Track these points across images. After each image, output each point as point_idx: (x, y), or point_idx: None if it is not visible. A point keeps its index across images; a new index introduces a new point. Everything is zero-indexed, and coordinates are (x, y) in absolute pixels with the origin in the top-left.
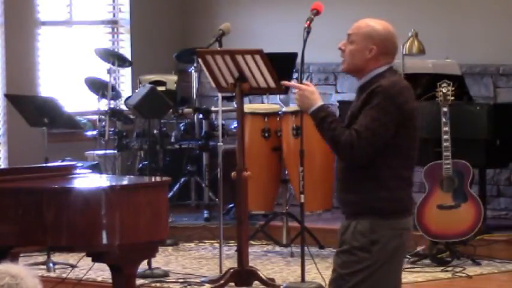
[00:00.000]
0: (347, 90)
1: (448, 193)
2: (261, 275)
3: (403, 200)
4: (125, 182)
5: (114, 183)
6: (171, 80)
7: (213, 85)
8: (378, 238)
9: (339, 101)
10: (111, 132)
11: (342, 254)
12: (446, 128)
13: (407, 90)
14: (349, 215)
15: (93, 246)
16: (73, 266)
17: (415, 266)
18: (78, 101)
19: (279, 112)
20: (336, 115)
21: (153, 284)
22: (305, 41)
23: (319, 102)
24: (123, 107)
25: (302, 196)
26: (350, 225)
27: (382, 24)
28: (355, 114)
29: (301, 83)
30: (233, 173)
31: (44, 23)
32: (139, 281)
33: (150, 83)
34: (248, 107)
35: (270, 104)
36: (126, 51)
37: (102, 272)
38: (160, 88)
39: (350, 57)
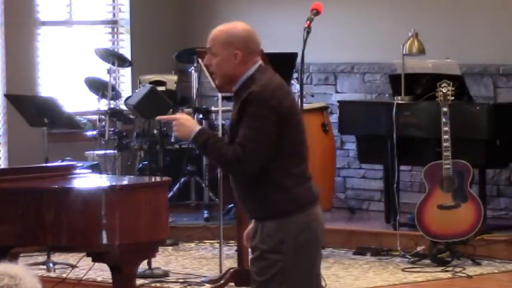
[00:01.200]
0: (347, 90)
1: (448, 193)
2: None
3: (302, 196)
4: (125, 182)
5: (114, 183)
6: (171, 80)
7: (213, 85)
8: (286, 236)
9: (339, 101)
10: (111, 132)
11: (255, 261)
12: (446, 128)
13: (279, 89)
14: (255, 219)
15: (93, 246)
16: (73, 266)
17: (415, 266)
18: (78, 101)
19: None
20: (217, 135)
21: (153, 284)
22: (305, 41)
23: (197, 127)
24: (123, 107)
25: None
26: (257, 229)
27: (237, 25)
28: (234, 126)
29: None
30: None
31: (43, 23)
32: (139, 281)
33: (150, 83)
34: None
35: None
36: (126, 51)
37: (102, 272)
38: (160, 88)
39: (218, 70)
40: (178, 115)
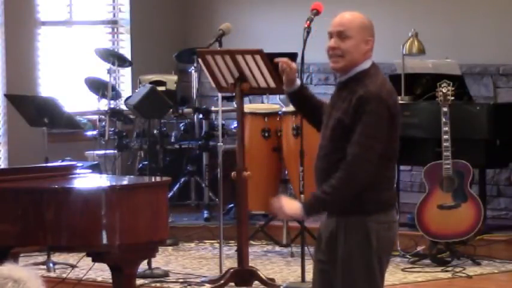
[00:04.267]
0: None
1: (448, 193)
2: (261, 275)
3: (388, 199)
4: (125, 182)
5: (114, 183)
6: (171, 80)
7: (213, 85)
8: (369, 232)
9: None
10: (111, 132)
11: (341, 258)
12: (446, 128)
13: (393, 92)
14: (334, 214)
15: (93, 246)
16: (73, 266)
17: (415, 266)
18: (78, 101)
19: (279, 112)
20: (317, 193)
21: (153, 284)
22: (305, 41)
23: (297, 203)
24: (123, 107)
25: (302, 196)
26: (336, 226)
27: (362, 15)
28: (344, 119)
29: None
30: (233, 173)
31: (44, 23)
32: (139, 281)
33: (150, 83)
34: (248, 107)
35: (270, 104)
36: (126, 51)
37: (102, 272)
38: (160, 88)
39: (348, 54)
40: (276, 204)
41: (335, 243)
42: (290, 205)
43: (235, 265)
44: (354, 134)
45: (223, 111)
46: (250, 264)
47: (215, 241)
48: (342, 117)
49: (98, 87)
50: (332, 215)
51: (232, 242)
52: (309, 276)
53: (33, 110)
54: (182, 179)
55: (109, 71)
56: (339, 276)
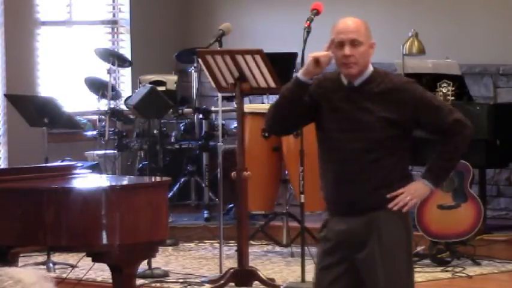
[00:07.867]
0: None
1: (448, 193)
2: (261, 275)
3: None
4: (125, 182)
5: (114, 183)
6: (171, 80)
7: (213, 85)
8: (408, 222)
9: None
10: (111, 132)
11: (381, 253)
12: None
13: None
14: (371, 208)
15: (93, 246)
16: (73, 266)
17: (415, 266)
18: (78, 101)
19: None
20: (435, 162)
21: (153, 284)
22: (305, 41)
23: (426, 183)
24: (123, 107)
25: (302, 196)
26: (370, 221)
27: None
28: (395, 118)
29: None
30: (233, 173)
31: (43, 23)
32: (139, 281)
33: (150, 83)
34: (248, 107)
35: (270, 104)
36: (126, 51)
37: (102, 272)
38: (160, 88)
39: (362, 59)
40: (404, 195)
41: (365, 240)
42: (419, 191)
43: (235, 265)
44: (429, 114)
45: (223, 111)
46: (250, 265)
47: (215, 241)
48: (387, 115)
49: (98, 87)
50: (359, 213)
51: (232, 242)
52: (309, 276)
53: (33, 110)
54: (182, 179)
55: (109, 71)
56: (380, 271)
